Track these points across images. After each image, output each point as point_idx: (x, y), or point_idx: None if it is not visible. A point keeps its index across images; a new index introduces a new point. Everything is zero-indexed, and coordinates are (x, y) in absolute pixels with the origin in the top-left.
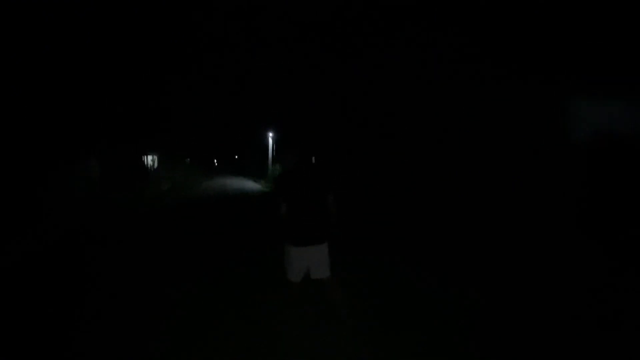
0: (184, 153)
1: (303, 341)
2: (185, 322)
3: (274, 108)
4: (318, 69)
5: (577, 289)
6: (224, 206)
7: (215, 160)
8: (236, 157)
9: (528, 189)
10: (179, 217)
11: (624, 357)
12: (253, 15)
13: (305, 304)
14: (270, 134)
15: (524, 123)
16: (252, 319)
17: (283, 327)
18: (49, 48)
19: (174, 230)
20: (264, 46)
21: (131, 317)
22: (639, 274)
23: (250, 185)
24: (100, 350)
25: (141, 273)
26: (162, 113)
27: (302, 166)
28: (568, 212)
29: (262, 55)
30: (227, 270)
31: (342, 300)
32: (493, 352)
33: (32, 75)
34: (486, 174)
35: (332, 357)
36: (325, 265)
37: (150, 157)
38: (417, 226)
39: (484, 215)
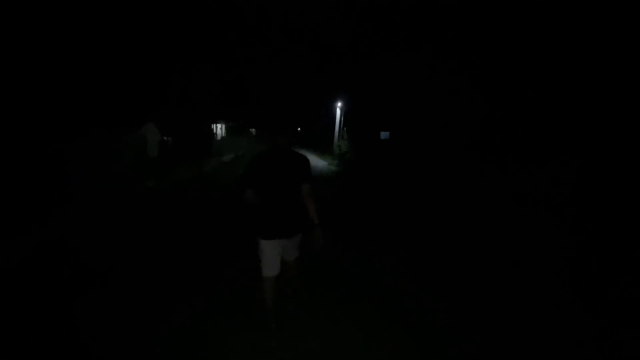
0: (250, 123)
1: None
2: None
3: (342, 78)
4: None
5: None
6: None
7: None
8: (299, 129)
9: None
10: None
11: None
12: None
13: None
14: (339, 104)
15: None
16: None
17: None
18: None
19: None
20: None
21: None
22: None
23: (315, 160)
24: None
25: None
26: (231, 84)
27: (277, 150)
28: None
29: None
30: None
31: (295, 291)
32: None
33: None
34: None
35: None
36: (296, 248)
37: (219, 126)
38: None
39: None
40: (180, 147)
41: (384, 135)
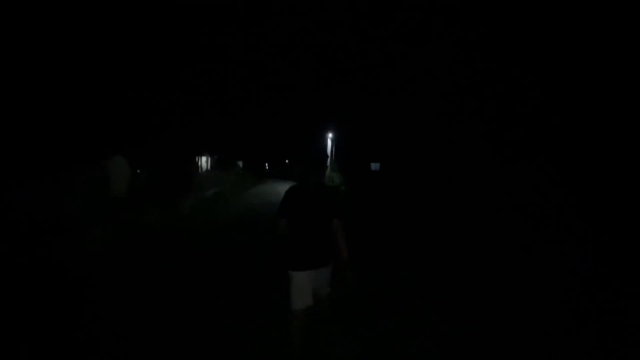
0: (236, 156)
1: None
2: None
3: (333, 108)
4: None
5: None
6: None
7: (267, 164)
8: (287, 161)
9: None
10: (206, 246)
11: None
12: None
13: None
14: (330, 135)
15: None
16: None
17: None
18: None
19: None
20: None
21: None
22: None
23: None
24: None
25: None
26: (215, 115)
27: (311, 184)
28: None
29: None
30: None
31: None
32: None
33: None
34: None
35: None
36: (327, 282)
37: (204, 159)
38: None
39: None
40: (156, 182)
41: (374, 166)
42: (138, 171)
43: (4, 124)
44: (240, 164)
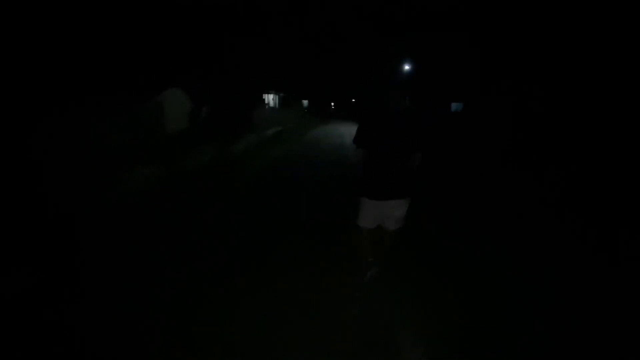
0: (302, 94)
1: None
2: None
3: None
4: None
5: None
6: (335, 174)
7: (332, 104)
8: (353, 100)
9: None
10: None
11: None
12: None
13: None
14: (406, 67)
15: None
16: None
17: None
18: None
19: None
20: None
21: None
22: None
23: None
24: None
25: None
26: (283, 51)
27: (395, 109)
28: None
29: None
30: None
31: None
32: None
33: None
34: None
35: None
36: (401, 220)
37: (270, 97)
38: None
39: None
40: (218, 119)
41: (456, 106)
42: (204, 107)
43: (46, 43)
44: (306, 102)
